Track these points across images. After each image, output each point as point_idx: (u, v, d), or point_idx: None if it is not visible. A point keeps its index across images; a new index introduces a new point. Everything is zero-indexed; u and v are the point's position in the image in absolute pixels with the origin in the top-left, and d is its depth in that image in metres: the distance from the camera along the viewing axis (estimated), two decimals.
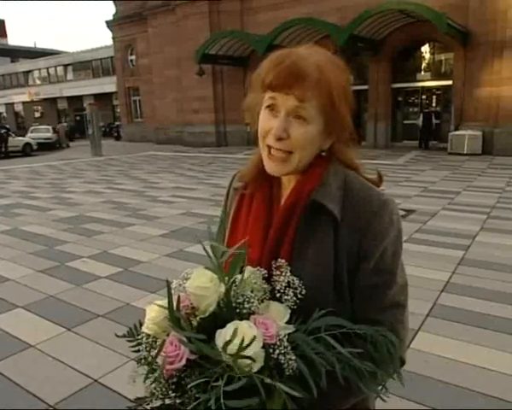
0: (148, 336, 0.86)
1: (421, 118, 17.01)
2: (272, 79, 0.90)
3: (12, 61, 54.61)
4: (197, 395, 0.73)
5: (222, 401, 0.69)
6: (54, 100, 46.53)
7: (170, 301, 0.80)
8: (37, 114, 48.08)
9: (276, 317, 0.82)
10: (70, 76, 44.32)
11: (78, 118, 42.28)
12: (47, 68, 46.57)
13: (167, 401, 0.79)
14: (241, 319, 0.78)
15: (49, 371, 3.02)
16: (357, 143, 1.04)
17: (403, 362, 0.95)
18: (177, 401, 0.78)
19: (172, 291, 0.83)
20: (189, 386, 0.74)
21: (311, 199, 0.94)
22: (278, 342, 0.76)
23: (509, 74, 14.15)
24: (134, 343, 0.91)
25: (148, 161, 17.04)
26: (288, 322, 0.83)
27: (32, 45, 64.19)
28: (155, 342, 0.84)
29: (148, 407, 0.83)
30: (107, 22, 28.17)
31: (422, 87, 17.81)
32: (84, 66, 42.22)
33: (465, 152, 14.47)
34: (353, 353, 0.78)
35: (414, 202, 7.79)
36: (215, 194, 9.43)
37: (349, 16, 14.95)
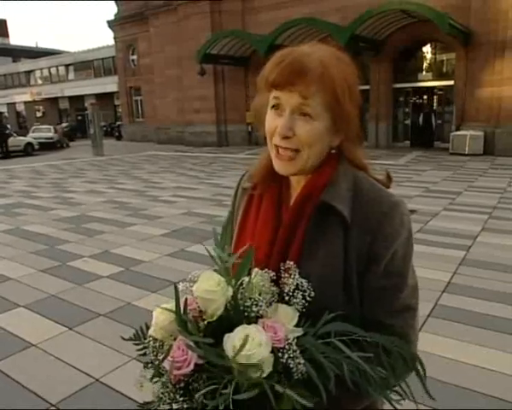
0: (156, 339, 0.85)
1: (421, 118, 17.01)
2: (275, 77, 0.89)
3: (14, 61, 54.70)
4: (205, 402, 0.72)
5: (231, 408, 0.68)
6: (55, 100, 46.59)
7: (177, 305, 0.79)
8: (39, 114, 48.14)
9: (285, 320, 0.81)
10: (71, 76, 44.37)
11: (79, 118, 42.25)
12: (48, 68, 46.63)
13: (175, 406, 0.78)
14: (248, 323, 0.77)
15: (50, 370, 3.03)
16: (362, 143, 1.04)
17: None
18: (185, 405, 0.77)
19: (179, 294, 0.82)
20: (197, 395, 0.73)
21: (321, 200, 0.93)
22: (287, 346, 0.75)
23: (510, 74, 14.12)
24: (140, 347, 0.90)
25: (149, 161, 17.05)
26: (297, 325, 0.82)
27: (33, 45, 64.34)
28: (162, 346, 0.84)
29: None
30: (109, 22, 28.20)
31: (424, 87, 17.80)
32: (86, 65, 42.26)
33: (466, 152, 14.45)
34: (363, 357, 0.76)
35: (415, 202, 7.79)
36: (216, 194, 9.43)
37: (350, 16, 14.94)
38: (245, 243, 1.01)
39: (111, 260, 5.27)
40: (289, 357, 0.74)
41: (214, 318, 0.80)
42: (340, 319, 0.83)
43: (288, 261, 0.88)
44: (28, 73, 49.29)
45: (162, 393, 0.79)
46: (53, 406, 2.64)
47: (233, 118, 21.47)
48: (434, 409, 2.47)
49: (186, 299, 0.82)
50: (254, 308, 0.79)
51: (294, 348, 0.75)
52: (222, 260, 0.86)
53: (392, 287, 0.92)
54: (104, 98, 39.45)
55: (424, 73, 17.41)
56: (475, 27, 14.63)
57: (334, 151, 0.97)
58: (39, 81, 48.27)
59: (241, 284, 0.83)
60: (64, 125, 37.42)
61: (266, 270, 0.87)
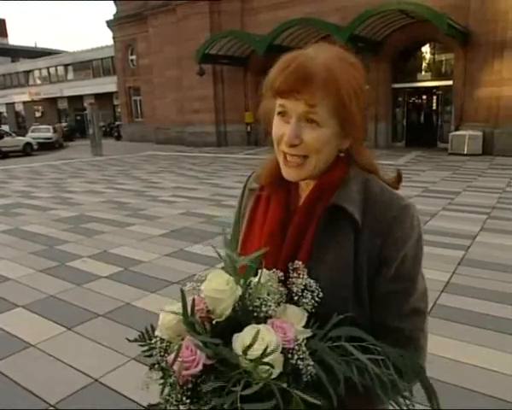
0: (162, 340, 0.84)
1: (422, 117, 17.02)
2: (280, 85, 0.88)
3: (12, 61, 54.61)
4: (213, 400, 0.71)
5: (238, 404, 0.67)
6: (54, 100, 46.53)
7: (184, 305, 0.78)
8: (38, 114, 48.07)
9: (294, 320, 0.80)
10: (70, 76, 44.31)
11: (78, 118, 42.25)
12: (47, 68, 46.57)
13: (182, 408, 0.76)
14: (257, 323, 0.76)
15: (49, 370, 3.03)
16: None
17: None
18: (192, 407, 0.76)
19: (186, 294, 0.81)
20: (204, 390, 0.73)
21: (332, 202, 0.92)
22: (297, 347, 0.75)
23: (509, 75, 14.13)
24: (146, 348, 0.89)
25: (148, 161, 17.05)
26: (306, 326, 0.81)
27: (32, 45, 64.25)
28: (169, 346, 0.83)
29: None
30: (108, 22, 28.17)
31: (423, 87, 17.83)
32: (85, 65, 42.19)
33: (465, 152, 14.46)
34: (373, 360, 0.75)
35: (414, 202, 7.60)
36: (215, 194, 9.43)
37: (349, 16, 14.93)
38: (252, 243, 1.01)
39: (110, 261, 5.26)
40: (299, 358, 0.74)
41: (223, 317, 0.79)
42: (349, 322, 0.82)
43: (296, 261, 0.87)
44: (27, 72, 49.23)
45: (169, 394, 0.78)
46: (52, 406, 2.64)
47: (232, 118, 21.47)
48: (435, 409, 2.46)
49: (193, 299, 0.81)
50: (264, 308, 0.78)
51: (304, 349, 0.75)
52: (231, 259, 0.85)
53: (402, 290, 0.91)
54: (103, 98, 39.41)
55: (423, 73, 17.42)
56: (474, 28, 14.64)
57: (342, 154, 0.96)
58: (38, 81, 48.20)
59: (250, 283, 0.82)
60: (63, 124, 37.37)
61: (274, 270, 0.86)
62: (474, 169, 11.79)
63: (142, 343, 0.91)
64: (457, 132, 15.00)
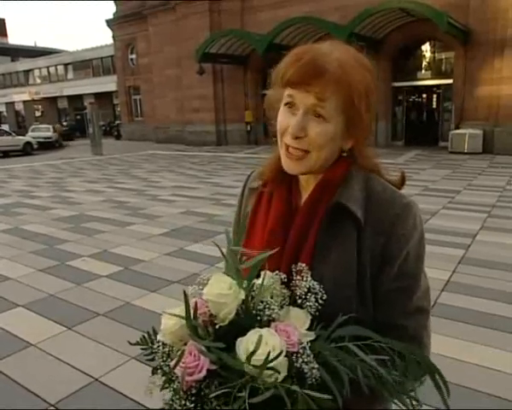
0: (165, 345, 0.82)
1: (422, 116, 17.00)
2: (291, 76, 0.88)
3: (12, 61, 54.58)
4: (218, 408, 0.71)
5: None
6: (54, 99, 46.52)
7: (187, 309, 0.77)
8: (38, 113, 48.08)
9: (297, 323, 0.79)
10: (70, 75, 44.29)
11: (78, 117, 42.21)
12: (47, 67, 46.55)
13: None
14: (260, 327, 0.76)
15: (49, 369, 3.03)
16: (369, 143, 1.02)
17: None
18: None
19: (189, 297, 0.80)
20: (210, 396, 0.71)
21: (334, 201, 0.91)
22: (301, 350, 0.74)
23: (509, 73, 14.12)
24: (148, 351, 0.89)
25: (148, 160, 17.04)
26: (309, 328, 0.81)
27: (32, 44, 64.24)
28: (172, 351, 0.82)
29: None
30: (108, 21, 28.16)
31: (423, 86, 17.81)
32: (85, 65, 42.17)
33: (465, 151, 14.46)
34: (378, 361, 0.75)
35: (414, 200, 7.78)
36: (215, 193, 9.43)
37: (349, 15, 14.91)
38: (254, 243, 1.00)
39: (110, 260, 5.26)
40: (303, 362, 0.73)
41: (226, 322, 0.78)
42: (353, 322, 0.82)
43: (299, 263, 0.86)
44: (27, 72, 49.21)
45: (172, 400, 0.77)
46: (52, 405, 2.64)
47: (232, 117, 21.46)
48: (435, 409, 2.47)
49: (196, 302, 0.80)
50: (267, 312, 0.77)
51: (308, 352, 0.74)
52: (234, 262, 0.84)
53: (405, 289, 0.91)
54: (103, 97, 39.40)
55: (423, 71, 17.40)
56: (474, 26, 14.62)
57: (345, 154, 0.96)
58: (38, 80, 48.18)
59: (253, 286, 0.81)
60: (62, 125, 37.33)
61: (277, 272, 0.85)
62: (474, 168, 11.79)
63: (144, 347, 0.90)
64: (457, 131, 14.99)
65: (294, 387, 0.70)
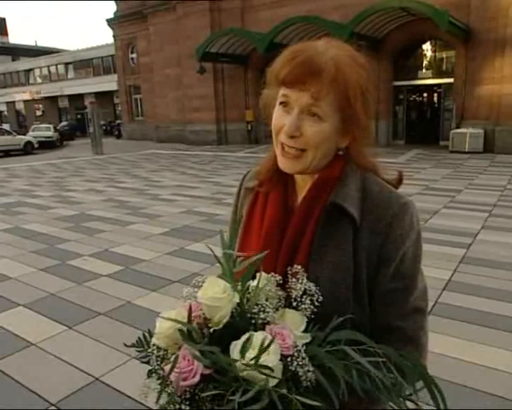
0: (159, 349, 0.82)
1: (423, 115, 16.98)
2: (286, 75, 0.87)
3: (13, 60, 54.66)
4: None
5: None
6: (55, 98, 46.55)
7: (182, 316, 0.78)
8: (39, 113, 48.10)
9: (292, 326, 0.79)
10: (71, 74, 44.33)
11: (79, 116, 42.28)
12: (48, 67, 46.58)
13: None
14: (255, 330, 0.75)
15: (50, 369, 3.03)
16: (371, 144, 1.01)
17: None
18: None
19: (183, 299, 0.80)
20: (202, 395, 0.71)
21: (331, 201, 0.91)
22: (296, 354, 0.73)
23: (510, 72, 14.10)
24: (143, 354, 0.88)
25: (149, 160, 17.04)
26: (305, 330, 0.80)
27: (32, 44, 64.35)
28: (166, 354, 0.81)
29: None
30: (108, 20, 28.15)
31: (424, 85, 17.79)
32: (85, 64, 42.22)
33: (466, 150, 14.45)
34: (373, 363, 0.74)
35: (415, 200, 7.59)
36: (216, 192, 9.43)
37: (349, 14, 14.90)
38: (250, 243, 1.00)
39: (111, 259, 5.26)
40: (298, 365, 0.72)
41: (220, 325, 0.77)
42: (349, 324, 0.81)
43: (295, 265, 0.85)
44: (28, 71, 49.24)
45: (167, 403, 0.77)
46: (52, 405, 2.64)
47: (233, 116, 21.45)
48: (435, 409, 2.46)
49: (190, 306, 0.80)
50: (262, 315, 0.76)
51: (303, 355, 0.73)
52: (228, 265, 0.83)
53: (402, 289, 0.90)
54: (104, 97, 39.41)
55: (424, 70, 17.39)
56: (475, 25, 14.61)
57: (341, 153, 0.95)
58: (39, 80, 48.21)
59: (248, 289, 0.81)
60: (62, 124, 37.34)
61: (272, 274, 0.84)
62: (475, 167, 11.78)
63: (140, 350, 0.90)
64: (458, 130, 14.98)
65: (284, 391, 0.69)
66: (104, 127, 32.10)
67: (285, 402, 0.69)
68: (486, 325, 3.40)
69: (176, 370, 0.74)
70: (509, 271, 4.45)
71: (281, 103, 0.91)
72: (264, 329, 0.76)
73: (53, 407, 2.62)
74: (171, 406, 0.76)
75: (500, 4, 14.06)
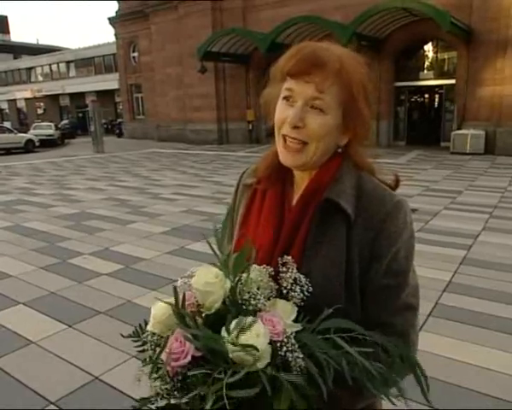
0: (154, 334, 0.85)
1: (424, 116, 16.96)
2: (292, 67, 0.89)
3: (14, 58, 54.66)
4: (200, 391, 0.72)
5: (224, 391, 0.68)
6: (56, 96, 46.55)
7: (176, 299, 0.79)
8: (40, 111, 48.12)
9: (283, 314, 0.81)
10: (72, 73, 44.32)
11: (80, 115, 42.30)
12: (49, 65, 46.58)
13: (172, 401, 0.77)
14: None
15: (49, 367, 3.02)
16: (370, 144, 1.03)
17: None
18: (183, 400, 0.76)
19: (178, 289, 0.82)
20: (189, 373, 0.73)
21: (325, 197, 0.92)
22: (285, 340, 0.75)
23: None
24: (139, 343, 0.90)
25: (149, 159, 17.05)
26: (296, 320, 0.82)
27: (34, 42, 64.29)
28: (161, 339, 0.84)
29: (153, 407, 0.82)
30: (110, 19, 28.16)
31: (425, 86, 17.77)
32: (87, 62, 42.21)
33: (467, 151, 14.43)
34: (362, 353, 0.76)
35: (416, 201, 7.77)
36: (217, 191, 9.43)
37: (351, 15, 14.89)
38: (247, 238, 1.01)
39: (111, 258, 5.26)
40: (288, 350, 0.74)
41: (212, 310, 0.80)
42: (341, 316, 0.83)
43: (285, 256, 0.87)
44: (29, 69, 49.23)
45: (159, 387, 0.78)
46: (52, 403, 2.63)
47: (234, 116, 21.45)
48: (435, 409, 2.46)
49: (184, 294, 0.82)
50: (252, 302, 0.79)
51: (293, 341, 0.75)
52: (221, 251, 0.86)
53: (393, 286, 0.92)
54: (105, 95, 39.40)
55: (425, 71, 17.37)
56: (477, 25, 14.59)
57: (340, 150, 0.96)
58: (40, 78, 48.22)
59: (240, 278, 0.82)
60: (62, 123, 37.35)
61: (264, 265, 0.87)
62: (476, 168, 11.77)
63: (135, 339, 0.92)
64: (459, 131, 14.97)
65: (273, 372, 0.71)
66: (105, 126, 32.08)
67: (275, 384, 0.71)
68: (486, 327, 3.39)
69: (167, 350, 0.76)
70: (509, 272, 4.44)
71: (284, 98, 0.92)
72: (255, 316, 0.78)
73: (52, 406, 2.62)
74: (163, 389, 0.78)
75: (502, 5, 14.04)
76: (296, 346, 0.75)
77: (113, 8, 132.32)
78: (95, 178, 12.33)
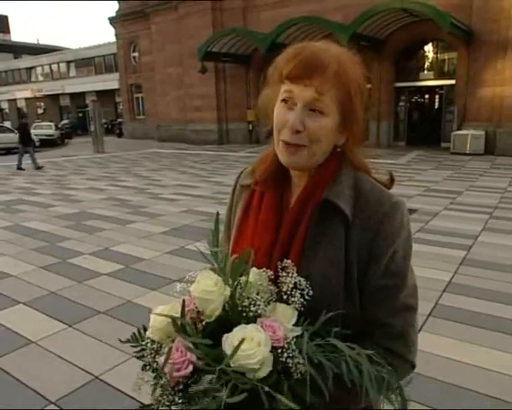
0: (153, 341, 0.84)
1: (424, 116, 16.96)
2: (291, 70, 0.88)
3: (15, 58, 54.65)
4: (201, 403, 0.71)
5: (222, 408, 0.68)
6: (56, 96, 46.54)
7: (182, 310, 0.79)
8: (40, 111, 48.11)
9: (283, 319, 0.80)
10: (73, 72, 44.31)
11: (80, 114, 42.31)
12: (50, 65, 46.58)
13: (173, 409, 0.77)
14: (247, 323, 0.77)
15: (49, 367, 3.03)
16: (363, 143, 1.03)
17: (413, 366, 0.95)
18: (184, 408, 0.76)
19: (177, 294, 0.81)
20: (190, 391, 0.73)
21: (323, 198, 0.92)
22: (286, 346, 0.75)
23: None
24: (138, 349, 0.89)
25: (150, 159, 17.05)
26: (296, 324, 0.82)
27: (34, 41, 64.35)
28: (160, 347, 0.83)
29: None
30: (111, 19, 28.17)
31: (426, 86, 17.78)
32: (87, 62, 42.21)
33: (468, 152, 14.43)
34: (361, 354, 0.76)
35: (416, 201, 7.77)
36: (217, 192, 9.43)
37: (351, 15, 14.89)
38: (245, 241, 1.01)
39: (111, 258, 5.26)
40: (288, 356, 0.74)
41: (212, 318, 0.79)
42: (340, 319, 0.83)
43: (285, 260, 0.87)
44: (29, 69, 49.22)
45: (161, 395, 0.78)
46: (52, 403, 2.64)
47: (234, 116, 21.46)
48: (434, 409, 2.47)
49: (183, 300, 0.81)
50: (252, 308, 0.78)
51: (293, 347, 0.75)
52: (218, 259, 0.85)
53: (392, 286, 0.92)
54: (105, 95, 39.40)
55: (426, 72, 17.37)
56: (477, 26, 14.59)
57: (339, 149, 0.97)
58: (40, 78, 48.21)
59: (239, 283, 0.82)
60: (65, 121, 37.35)
61: (264, 269, 0.86)
62: (476, 169, 11.77)
63: (134, 345, 0.91)
64: (460, 132, 14.97)
65: (272, 392, 0.70)
66: (105, 126, 32.06)
67: (273, 397, 0.71)
68: (486, 327, 3.39)
69: (169, 361, 0.76)
70: (509, 273, 4.44)
71: (282, 100, 0.92)
72: (255, 322, 0.78)
73: (52, 406, 2.62)
74: (165, 398, 0.77)
75: (502, 6, 14.04)
76: (297, 351, 0.75)
77: (113, 8, 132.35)
78: (95, 177, 12.33)
